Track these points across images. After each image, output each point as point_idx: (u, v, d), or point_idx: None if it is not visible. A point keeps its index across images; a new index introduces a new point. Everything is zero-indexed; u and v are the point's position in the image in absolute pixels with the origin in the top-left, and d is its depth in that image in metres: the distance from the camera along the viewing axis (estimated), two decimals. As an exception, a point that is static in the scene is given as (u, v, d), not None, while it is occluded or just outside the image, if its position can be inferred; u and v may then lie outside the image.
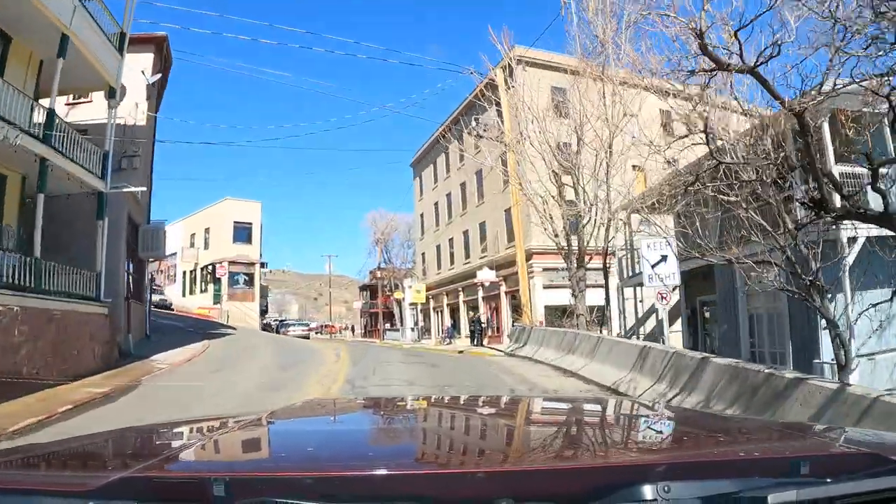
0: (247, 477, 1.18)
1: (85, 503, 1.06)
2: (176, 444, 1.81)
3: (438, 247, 38.31)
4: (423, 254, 41.66)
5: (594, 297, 28.70)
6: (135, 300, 19.31)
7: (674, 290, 25.30)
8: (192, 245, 47.36)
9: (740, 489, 1.07)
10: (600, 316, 29.53)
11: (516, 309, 29.31)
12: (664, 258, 9.76)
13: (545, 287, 26.93)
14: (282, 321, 53.02)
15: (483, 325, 29.83)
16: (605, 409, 2.58)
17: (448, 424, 2.12)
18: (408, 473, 1.22)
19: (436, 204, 39.17)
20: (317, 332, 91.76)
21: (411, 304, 46.17)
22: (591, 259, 18.14)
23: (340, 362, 15.37)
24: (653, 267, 9.67)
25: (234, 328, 29.91)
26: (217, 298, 42.54)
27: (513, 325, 27.34)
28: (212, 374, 13.47)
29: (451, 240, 36.25)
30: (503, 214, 29.79)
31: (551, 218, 17.71)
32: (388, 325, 56.94)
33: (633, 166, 19.42)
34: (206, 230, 45.80)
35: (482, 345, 29.56)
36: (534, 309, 26.78)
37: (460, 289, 34.48)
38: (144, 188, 19.13)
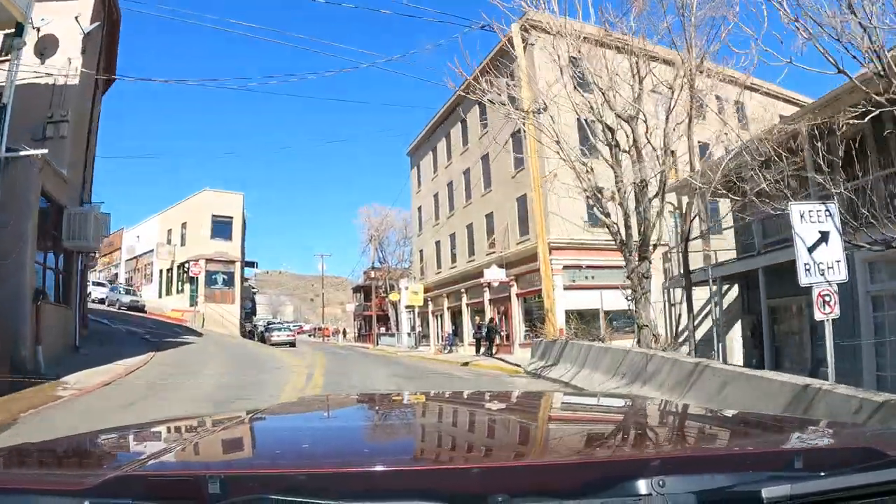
0: (242, 474, 1.18)
1: (80, 502, 1.05)
2: (171, 441, 1.79)
3: (438, 243, 34.30)
4: (420, 251, 37.62)
5: (613, 300, 24.87)
6: (58, 302, 15.26)
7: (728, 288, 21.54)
8: (168, 241, 43.26)
9: (735, 483, 1.07)
10: (625, 322, 25.64)
11: (529, 313, 25.30)
12: (824, 237, 5.81)
13: (566, 288, 22.96)
14: (268, 324, 48.95)
15: (497, 332, 25.84)
16: (599, 404, 2.58)
17: (442, 420, 2.11)
18: (403, 469, 1.21)
19: (435, 196, 35.17)
20: (309, 335, 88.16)
21: (407, 306, 42.14)
22: (654, 250, 13.98)
23: (308, 390, 11.34)
24: (810, 251, 5.71)
25: (200, 334, 25.76)
26: (193, 300, 38.45)
27: (529, 336, 23.36)
28: (122, 410, 9.45)
29: (452, 235, 32.24)
30: (515, 204, 25.80)
31: (599, 193, 13.55)
32: (383, 329, 52.91)
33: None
34: (183, 225, 41.70)
35: (491, 355, 25.54)
36: (553, 314, 22.81)
37: (463, 290, 30.46)
38: (68, 162, 15.08)
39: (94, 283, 46.88)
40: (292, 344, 38.78)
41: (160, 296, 44.67)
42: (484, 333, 26.31)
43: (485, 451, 1.52)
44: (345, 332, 63.93)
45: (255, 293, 66.33)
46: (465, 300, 30.41)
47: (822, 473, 1.09)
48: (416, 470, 1.24)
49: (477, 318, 27.72)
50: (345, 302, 65.12)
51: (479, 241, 28.98)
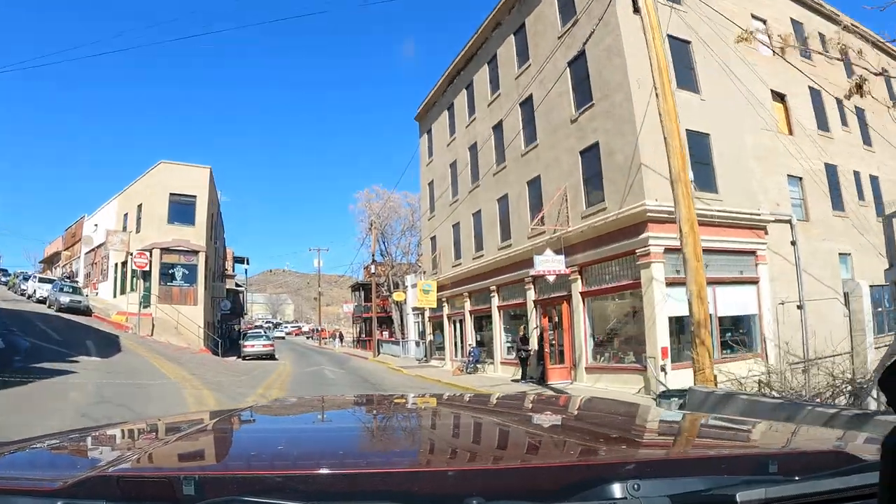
0: (217, 475, 1.17)
1: (53, 503, 1.04)
2: (145, 442, 1.76)
3: (457, 227, 26.04)
4: (432, 238, 29.33)
5: (730, 301, 16.76)
6: None
7: None
8: (124, 228, 35.14)
9: (709, 487, 1.07)
10: (743, 334, 17.37)
11: (603, 320, 17.03)
12: None
13: (669, 283, 14.73)
14: (243, 332, 40.82)
15: (550, 346, 17.64)
16: (576, 407, 2.55)
17: (419, 423, 2.11)
18: (378, 472, 1.20)
19: (452, 165, 26.92)
20: (307, 337, 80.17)
21: (415, 308, 33.91)
22: None
23: None
24: None
25: (112, 353, 17.33)
26: (147, 300, 30.31)
27: (601, 356, 15.09)
28: None
29: (477, 214, 23.99)
30: (577, 159, 17.53)
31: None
32: (386, 334, 44.66)
33: None
34: (139, 207, 33.58)
35: (542, 382, 17.35)
36: (652, 322, 14.54)
37: (493, 288, 22.21)
38: None
39: (40, 280, 39.12)
40: (270, 356, 30.69)
41: (115, 295, 36.60)
42: (529, 350, 18.11)
43: (460, 454, 1.52)
44: (341, 337, 55.72)
45: (241, 291, 58.27)
46: (496, 301, 22.13)
47: (797, 478, 1.10)
48: (392, 472, 1.21)
49: (521, 327, 19.43)
50: (349, 301, 56.89)
51: (519, 219, 20.70)
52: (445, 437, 1.79)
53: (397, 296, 38.07)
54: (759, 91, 18.31)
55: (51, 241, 61.25)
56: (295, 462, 1.31)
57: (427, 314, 29.61)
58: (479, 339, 24.09)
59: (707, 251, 16.01)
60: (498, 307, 22.02)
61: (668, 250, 15.01)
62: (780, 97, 20.46)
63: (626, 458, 1.36)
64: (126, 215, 35.76)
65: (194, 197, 31.60)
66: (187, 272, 30.59)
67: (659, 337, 14.35)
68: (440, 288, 27.04)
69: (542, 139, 19.36)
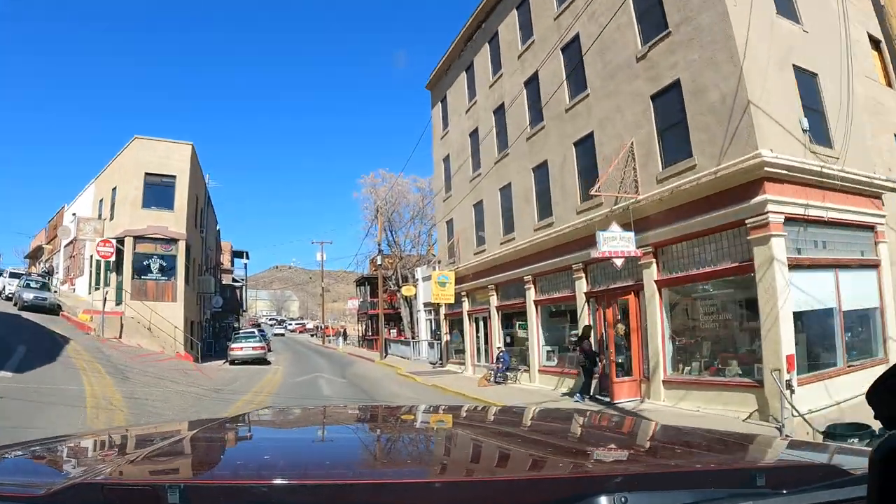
0: (202, 484, 1.15)
1: None
2: (130, 450, 1.74)
3: (479, 205, 21.84)
4: (448, 222, 25.11)
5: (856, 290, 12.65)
6: None
7: None
8: (99, 216, 31.15)
9: (697, 500, 1.07)
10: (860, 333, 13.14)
11: (685, 317, 12.83)
12: None
13: (792, 267, 10.52)
14: (234, 333, 36.80)
15: (597, 354, 13.37)
16: (564, 420, 2.50)
17: (404, 435, 2.05)
18: (362, 483, 1.18)
19: (473, 133, 22.71)
20: (311, 335, 76.33)
21: (427, 304, 29.83)
22: None
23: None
24: None
25: (37, 363, 13.18)
26: (119, 296, 26.26)
27: (682, 365, 10.73)
28: None
29: (505, 189, 19.79)
30: (648, 106, 13.30)
31: None
32: (394, 333, 40.54)
33: None
34: (113, 191, 29.56)
35: (608, 400, 13.23)
36: (772, 321, 10.27)
37: (528, 279, 18.00)
38: None
39: (10, 275, 35.27)
40: (261, 360, 26.65)
41: (89, 290, 32.65)
42: (598, 356, 13.95)
43: (446, 466, 1.49)
44: (345, 334, 51.64)
45: (238, 287, 54.33)
46: (532, 295, 17.91)
47: (785, 491, 1.09)
48: (376, 483, 1.19)
49: (573, 332, 15.25)
50: (354, 297, 52.87)
51: (562, 191, 16.49)
52: (430, 451, 1.75)
53: (406, 290, 33.97)
54: (854, 31, 14.15)
55: (35, 234, 57.49)
56: (282, 472, 1.27)
57: (443, 311, 25.44)
58: (507, 340, 19.91)
59: (825, 223, 11.87)
60: (535, 302, 17.81)
61: (790, 220, 10.81)
62: (875, 44, 16.21)
63: (612, 470, 1.35)
64: (101, 201, 31.80)
65: (173, 177, 27.49)
66: (165, 264, 26.50)
67: (783, 341, 10.15)
68: (459, 280, 22.86)
69: (596, 87, 15.11)
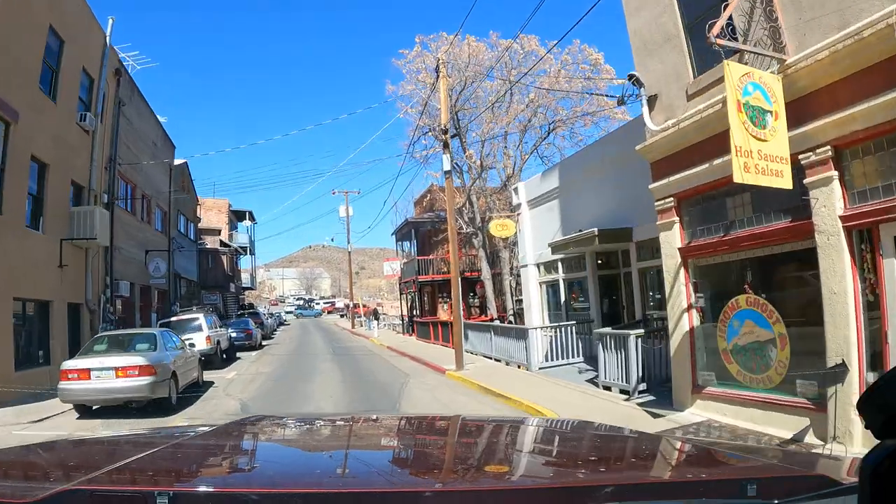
0: (191, 492, 1.13)
1: None
2: (120, 456, 1.65)
3: None
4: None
5: None
6: None
7: None
8: None
9: None
10: None
11: None
12: None
13: None
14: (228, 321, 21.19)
15: None
16: (554, 429, 2.46)
17: (395, 444, 2.05)
18: (352, 491, 1.17)
19: None
20: (341, 315, 62.91)
21: (543, 263, 12.94)
22: None
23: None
24: None
25: None
26: None
27: None
28: None
29: None
30: None
31: None
32: (475, 309, 24.03)
33: None
34: None
35: None
36: None
37: None
38: None
39: None
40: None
41: None
42: None
43: (435, 476, 1.47)
44: (377, 314, 35.88)
45: (227, 252, 38.63)
46: None
47: (776, 501, 1.07)
48: (366, 492, 1.18)
49: None
50: (392, 257, 36.84)
51: None
52: (423, 459, 1.72)
53: (497, 228, 17.23)
54: None
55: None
56: (271, 480, 1.26)
57: (678, 250, 8.48)
58: None
59: None
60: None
61: None
62: None
63: (602, 480, 1.32)
64: None
65: None
66: None
67: None
68: (796, 108, 5.80)
69: None
